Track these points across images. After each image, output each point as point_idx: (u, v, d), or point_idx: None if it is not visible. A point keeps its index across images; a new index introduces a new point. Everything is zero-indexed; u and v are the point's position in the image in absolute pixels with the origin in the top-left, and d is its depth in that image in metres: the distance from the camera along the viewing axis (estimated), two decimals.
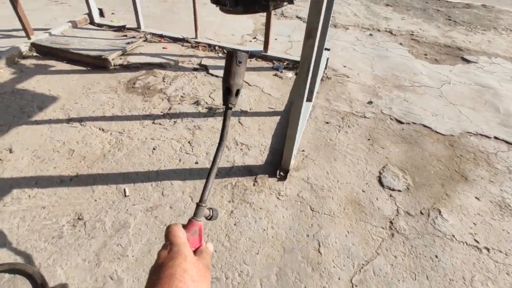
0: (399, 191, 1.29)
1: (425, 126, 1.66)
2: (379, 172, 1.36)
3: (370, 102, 1.79)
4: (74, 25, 2.36)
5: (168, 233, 0.36)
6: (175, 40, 2.26)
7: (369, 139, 1.54)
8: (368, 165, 1.40)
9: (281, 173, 1.29)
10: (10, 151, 1.36)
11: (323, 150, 1.45)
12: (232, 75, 0.86)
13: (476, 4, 3.98)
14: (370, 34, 2.74)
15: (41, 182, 1.22)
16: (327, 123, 1.61)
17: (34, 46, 2.08)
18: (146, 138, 1.44)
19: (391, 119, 1.69)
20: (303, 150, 1.43)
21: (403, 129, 1.63)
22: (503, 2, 4.24)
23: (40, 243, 1.02)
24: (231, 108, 0.96)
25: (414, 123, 1.67)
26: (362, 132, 1.58)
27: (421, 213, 1.21)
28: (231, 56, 0.86)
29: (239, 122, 1.56)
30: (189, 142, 1.42)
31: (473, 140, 1.60)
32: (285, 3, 0.73)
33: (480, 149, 1.55)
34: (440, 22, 3.24)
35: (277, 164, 1.34)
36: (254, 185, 1.25)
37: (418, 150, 1.50)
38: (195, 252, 0.36)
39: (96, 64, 1.95)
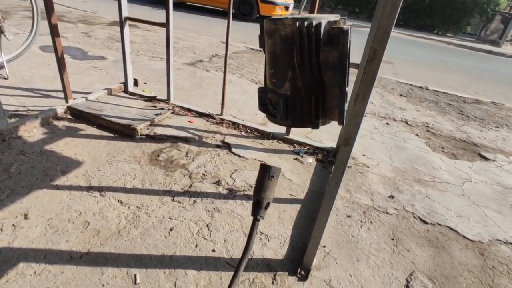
0: None
1: (451, 228, 1.59)
2: (407, 280, 1.26)
3: (391, 197, 1.76)
4: (109, 92, 2.53)
5: None
6: (201, 115, 2.37)
7: (393, 239, 1.46)
8: (393, 269, 1.30)
9: (302, 272, 1.20)
10: (26, 217, 1.34)
11: (345, 248, 1.37)
12: (264, 188, 0.86)
13: (485, 100, 4.17)
14: (387, 123, 2.84)
15: (50, 257, 1.17)
16: (349, 216, 1.56)
17: (69, 109, 2.20)
18: (163, 217, 1.40)
19: (414, 217, 1.63)
20: (324, 246, 1.36)
21: (428, 230, 1.56)
22: (511, 100, 4.45)
23: None
24: (259, 220, 0.93)
25: (439, 224, 1.61)
26: (385, 230, 1.51)
27: None
28: (264, 170, 0.86)
29: None
30: (207, 226, 1.38)
31: (504, 249, 1.51)
32: (332, 121, 0.77)
33: None
34: (453, 116, 3.36)
35: (297, 259, 1.27)
36: (273, 283, 1.16)
37: (447, 257, 1.41)
38: None
39: (124, 132, 2.03)
